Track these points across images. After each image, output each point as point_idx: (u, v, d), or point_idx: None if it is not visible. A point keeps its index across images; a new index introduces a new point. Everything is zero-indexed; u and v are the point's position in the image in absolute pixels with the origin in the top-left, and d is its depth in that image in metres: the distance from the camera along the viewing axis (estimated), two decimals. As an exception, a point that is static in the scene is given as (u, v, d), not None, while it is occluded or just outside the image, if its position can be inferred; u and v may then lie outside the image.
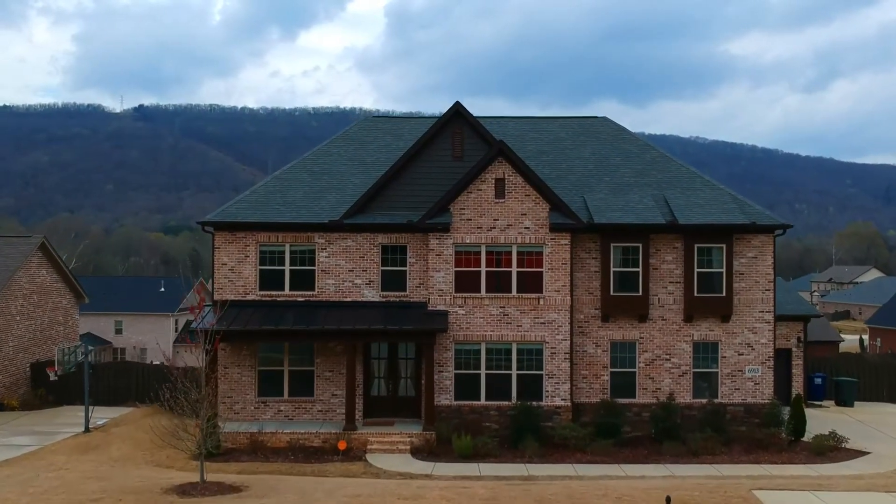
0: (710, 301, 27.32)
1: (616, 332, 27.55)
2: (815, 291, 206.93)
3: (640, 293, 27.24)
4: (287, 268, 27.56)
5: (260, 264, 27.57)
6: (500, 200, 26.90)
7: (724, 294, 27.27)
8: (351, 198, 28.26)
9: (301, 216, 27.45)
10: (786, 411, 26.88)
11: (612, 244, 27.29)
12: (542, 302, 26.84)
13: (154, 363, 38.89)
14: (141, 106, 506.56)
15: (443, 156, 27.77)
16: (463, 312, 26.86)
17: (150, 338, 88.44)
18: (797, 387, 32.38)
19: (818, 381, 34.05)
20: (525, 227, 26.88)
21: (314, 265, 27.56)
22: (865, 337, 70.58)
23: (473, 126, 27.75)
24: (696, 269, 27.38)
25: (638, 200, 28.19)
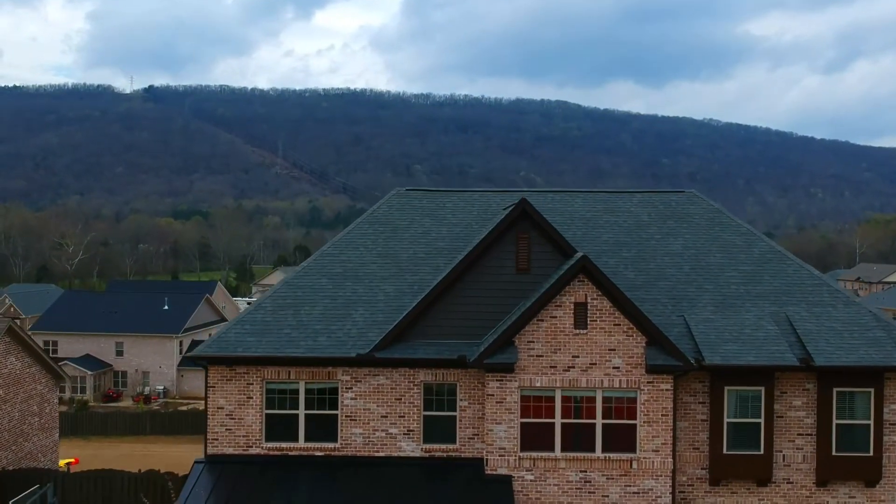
0: (851, 461, 20.93)
1: (728, 499, 21.22)
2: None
3: (762, 451, 20.86)
4: (302, 412, 21.30)
5: (266, 407, 21.33)
6: (581, 331, 20.52)
7: (870, 452, 20.88)
8: (384, 315, 21.94)
9: (319, 346, 21.13)
10: None
11: (725, 387, 20.89)
12: (635, 465, 20.51)
13: (142, 471, 32.80)
14: (151, 87, 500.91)
15: (504, 267, 21.38)
16: (531, 478, 20.57)
17: (153, 360, 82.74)
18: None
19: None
20: (614, 367, 20.50)
21: (337, 409, 21.30)
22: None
23: (543, 229, 21.30)
24: (834, 420, 20.97)
25: (755, 324, 21.72)
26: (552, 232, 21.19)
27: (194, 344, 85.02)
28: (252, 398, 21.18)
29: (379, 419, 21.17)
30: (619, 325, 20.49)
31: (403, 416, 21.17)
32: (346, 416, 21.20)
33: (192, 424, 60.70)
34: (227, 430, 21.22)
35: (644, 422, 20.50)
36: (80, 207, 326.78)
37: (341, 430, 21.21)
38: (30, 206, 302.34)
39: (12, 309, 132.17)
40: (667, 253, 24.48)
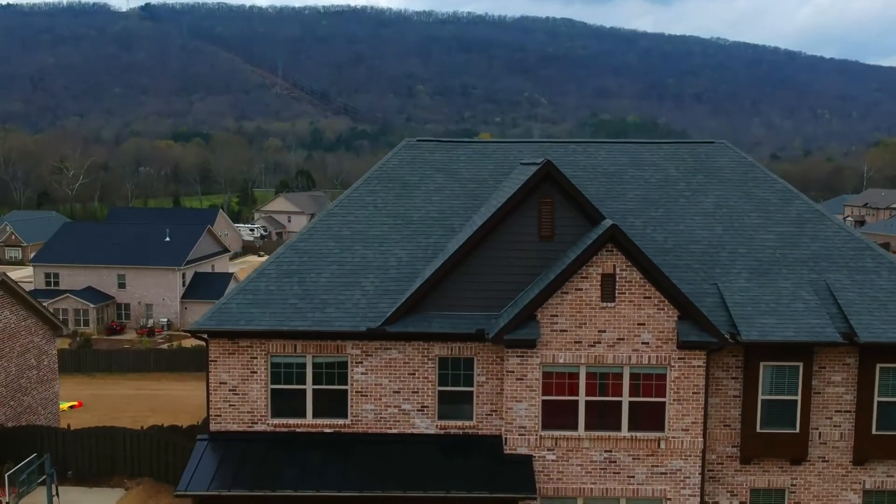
0: (893, 440, 19.75)
1: (759, 478, 20.13)
2: (848, 217, 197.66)
3: (798, 429, 19.66)
4: (309, 387, 20.04)
5: (272, 382, 20.06)
6: (609, 304, 19.07)
7: (913, 431, 19.70)
8: (395, 283, 20.50)
9: (328, 318, 19.73)
10: None
11: (761, 363, 19.56)
12: (663, 445, 19.34)
13: (143, 429, 31.88)
14: (147, 4, 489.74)
15: (525, 234, 19.78)
16: (553, 458, 19.43)
17: (156, 293, 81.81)
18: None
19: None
20: (643, 343, 19.13)
21: (347, 384, 20.04)
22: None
23: (568, 193, 19.61)
24: (876, 397, 19.71)
25: (793, 293, 20.25)
26: (578, 196, 19.53)
27: (197, 276, 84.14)
28: (256, 373, 19.90)
29: (391, 395, 19.93)
30: (650, 297, 19.02)
31: (417, 392, 19.92)
32: (356, 392, 19.95)
33: (196, 362, 60.02)
34: (230, 405, 20.00)
35: (674, 399, 19.24)
36: (79, 130, 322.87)
37: (352, 406, 19.99)
38: (28, 128, 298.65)
39: (13, 237, 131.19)
40: (697, 212, 22.84)
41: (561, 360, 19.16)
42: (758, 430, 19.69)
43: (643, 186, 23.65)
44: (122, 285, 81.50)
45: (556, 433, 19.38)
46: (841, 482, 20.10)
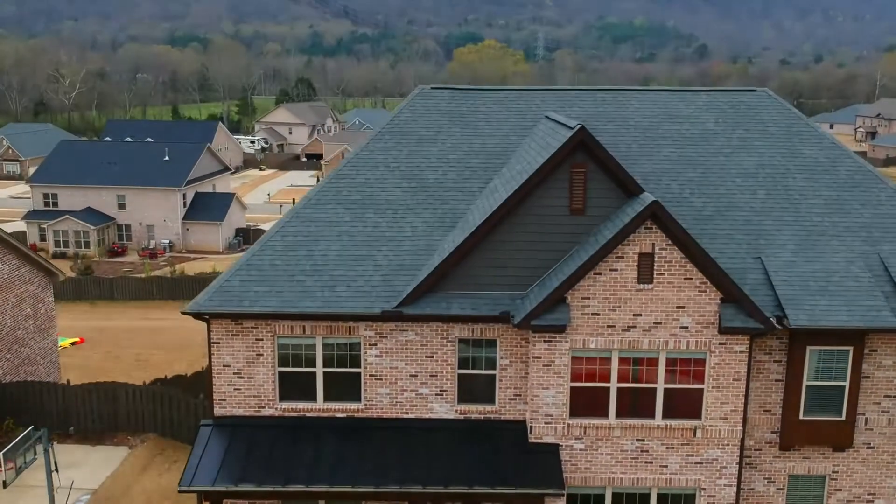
0: (944, 426, 18.48)
1: (799, 465, 18.93)
2: (859, 127, 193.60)
3: (844, 417, 18.34)
4: (320, 370, 18.65)
5: (280, 365, 18.66)
6: (646, 287, 17.46)
7: (967, 417, 18.38)
8: (411, 256, 18.86)
9: (338, 298, 18.16)
10: None
11: (808, 347, 18.08)
12: (699, 433, 18.05)
13: (146, 383, 30.77)
14: None
15: (554, 206, 18.00)
16: (581, 447, 18.18)
17: (157, 214, 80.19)
18: None
19: None
20: (682, 327, 17.61)
21: (360, 366, 18.63)
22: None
23: (604, 163, 17.73)
24: (929, 382, 18.33)
25: (845, 269, 18.60)
26: (614, 165, 17.66)
27: (198, 197, 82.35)
28: (263, 355, 18.48)
29: (407, 378, 18.56)
30: (691, 279, 17.40)
31: (435, 376, 18.54)
32: (370, 375, 18.57)
33: (199, 290, 58.72)
34: (235, 389, 18.66)
35: (713, 386, 17.85)
36: (74, 35, 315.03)
37: (365, 390, 18.64)
38: (22, 33, 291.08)
39: (10, 151, 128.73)
40: (739, 173, 20.98)
41: (592, 346, 17.69)
42: (801, 417, 18.38)
43: (679, 142, 21.72)
44: (122, 206, 79.87)
45: (585, 421, 18.08)
46: (886, 469, 18.92)
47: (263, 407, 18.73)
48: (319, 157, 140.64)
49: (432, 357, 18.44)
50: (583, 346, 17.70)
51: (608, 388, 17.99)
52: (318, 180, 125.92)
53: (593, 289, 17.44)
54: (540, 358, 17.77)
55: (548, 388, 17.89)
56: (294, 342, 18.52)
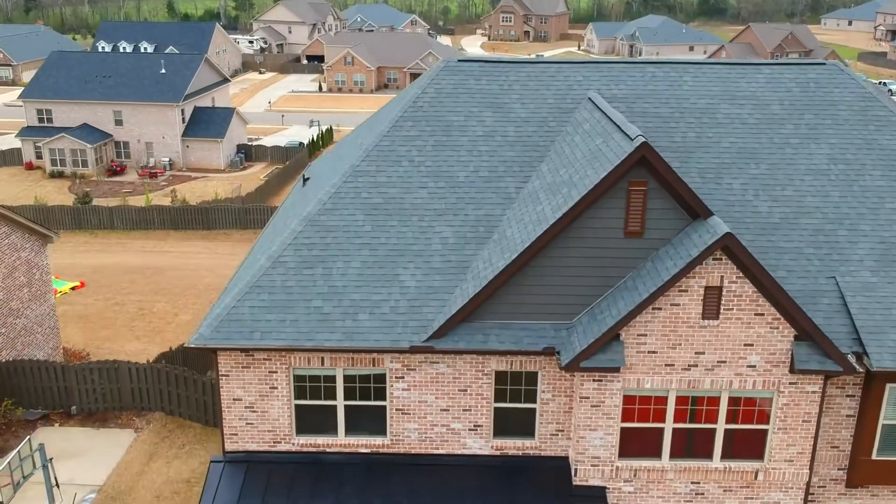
0: None
1: (867, 502, 17.32)
2: (880, 25, 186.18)
3: (922, 457, 16.61)
4: (340, 403, 16.79)
5: (296, 398, 16.80)
6: (711, 323, 15.39)
7: None
8: (442, 276, 16.73)
9: (361, 328, 16.10)
10: None
11: (887, 384, 16.15)
12: (761, 476, 16.34)
13: (150, 362, 29.06)
14: None
15: (609, 228, 15.74)
16: (630, 490, 16.51)
17: (155, 130, 77.23)
18: None
19: None
20: (748, 367, 15.63)
21: (385, 400, 16.77)
22: None
23: (667, 181, 15.35)
24: None
25: (932, 293, 16.48)
26: (678, 183, 15.29)
27: (197, 112, 79.17)
28: (277, 388, 16.60)
29: (438, 413, 16.73)
30: (762, 314, 15.31)
31: (469, 410, 16.70)
32: (396, 409, 16.73)
33: (200, 220, 56.82)
34: (247, 423, 16.87)
35: (779, 427, 16.02)
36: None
37: (391, 425, 16.84)
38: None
39: (2, 55, 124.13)
40: (808, 169, 18.58)
41: (647, 386, 15.77)
42: (873, 457, 16.63)
43: (740, 130, 19.20)
44: (118, 122, 76.81)
45: (636, 462, 16.35)
46: (961, 507, 17.31)
47: (279, 442, 16.98)
48: (321, 59, 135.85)
49: (466, 391, 16.57)
50: (637, 387, 15.78)
51: (662, 429, 16.18)
52: (319, 85, 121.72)
53: (651, 325, 15.39)
54: (588, 398, 15.88)
55: (595, 429, 16.08)
56: (312, 373, 16.60)
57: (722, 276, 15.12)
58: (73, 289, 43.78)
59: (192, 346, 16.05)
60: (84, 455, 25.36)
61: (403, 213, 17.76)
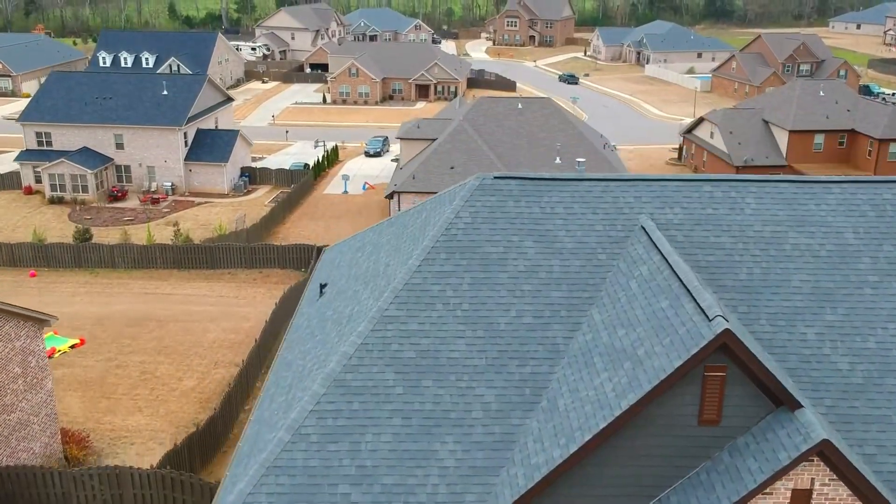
0: None
1: None
2: (889, 30, 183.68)
3: None
4: None
5: (320, 591, 14.82)
6: (797, 527, 13.45)
7: None
8: (483, 454, 14.76)
9: (395, 519, 14.16)
10: None
11: None
12: None
13: (154, 467, 27.06)
14: None
15: (680, 414, 13.77)
16: None
17: (157, 154, 75.16)
18: None
19: None
20: (838, 574, 13.68)
21: None
22: None
23: (748, 366, 13.37)
24: None
25: None
26: (761, 369, 13.32)
27: (200, 134, 77.13)
28: (298, 582, 14.64)
29: None
30: (856, 519, 13.38)
31: None
32: None
33: (205, 259, 54.98)
34: None
35: None
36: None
37: None
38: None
39: (1, 66, 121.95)
40: (890, 313, 16.59)
41: (721, 593, 13.80)
42: None
43: (812, 265, 17.21)
44: (119, 145, 74.81)
45: None
46: None
47: None
48: (324, 67, 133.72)
49: (512, 585, 14.61)
50: (709, 593, 13.82)
51: None
52: (324, 97, 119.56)
53: (729, 530, 13.43)
54: None
55: None
56: (338, 566, 14.66)
57: (812, 479, 13.16)
58: (72, 347, 41.95)
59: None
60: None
61: (440, 372, 15.80)
